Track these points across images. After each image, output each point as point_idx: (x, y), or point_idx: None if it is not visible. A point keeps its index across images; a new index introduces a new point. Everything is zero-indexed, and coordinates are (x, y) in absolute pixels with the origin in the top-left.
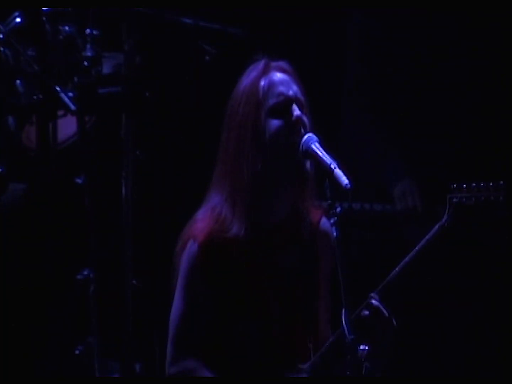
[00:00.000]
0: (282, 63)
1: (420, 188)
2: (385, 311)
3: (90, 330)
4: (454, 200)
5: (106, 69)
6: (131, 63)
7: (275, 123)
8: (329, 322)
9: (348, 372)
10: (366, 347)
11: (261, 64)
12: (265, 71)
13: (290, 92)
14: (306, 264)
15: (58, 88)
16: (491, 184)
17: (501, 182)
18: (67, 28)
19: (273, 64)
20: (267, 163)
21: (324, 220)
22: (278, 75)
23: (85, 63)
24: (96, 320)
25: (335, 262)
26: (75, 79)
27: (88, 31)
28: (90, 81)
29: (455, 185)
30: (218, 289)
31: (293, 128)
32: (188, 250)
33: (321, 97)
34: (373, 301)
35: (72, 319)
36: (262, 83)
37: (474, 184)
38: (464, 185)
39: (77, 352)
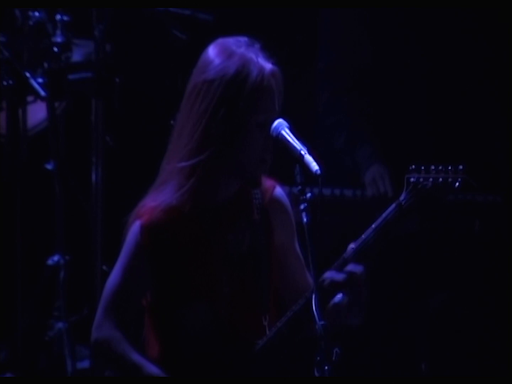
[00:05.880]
0: (277, 71)
1: (391, 173)
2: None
3: (59, 316)
4: (412, 179)
5: (76, 57)
6: (101, 49)
7: (257, 134)
8: (306, 277)
9: (318, 358)
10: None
11: (260, 58)
12: (263, 71)
13: (277, 108)
14: (258, 240)
15: (28, 74)
16: (449, 167)
17: (460, 167)
18: (37, 13)
19: (271, 68)
20: (233, 149)
21: (276, 190)
22: (273, 83)
23: (55, 49)
24: (66, 305)
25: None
26: (45, 65)
27: (58, 16)
28: (60, 67)
29: (413, 166)
30: (164, 270)
31: (269, 141)
32: (133, 230)
33: (294, 81)
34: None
35: (42, 304)
36: (257, 81)
37: (432, 167)
38: (422, 167)
39: (46, 338)
